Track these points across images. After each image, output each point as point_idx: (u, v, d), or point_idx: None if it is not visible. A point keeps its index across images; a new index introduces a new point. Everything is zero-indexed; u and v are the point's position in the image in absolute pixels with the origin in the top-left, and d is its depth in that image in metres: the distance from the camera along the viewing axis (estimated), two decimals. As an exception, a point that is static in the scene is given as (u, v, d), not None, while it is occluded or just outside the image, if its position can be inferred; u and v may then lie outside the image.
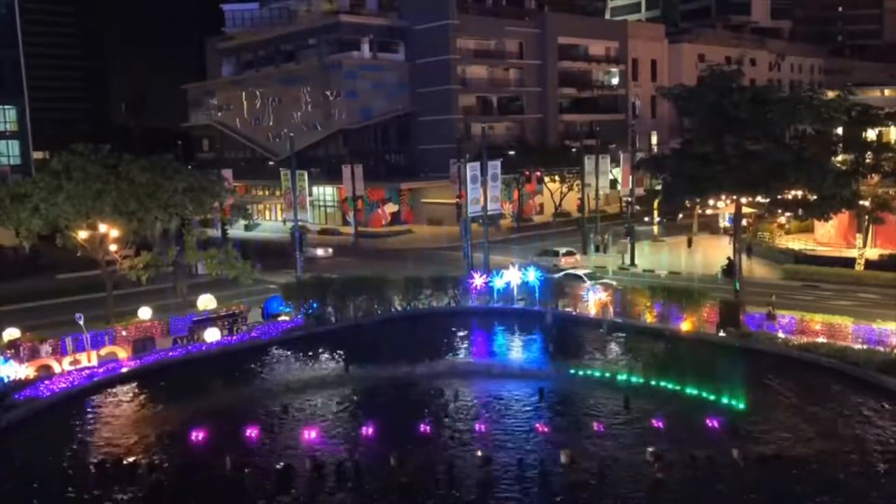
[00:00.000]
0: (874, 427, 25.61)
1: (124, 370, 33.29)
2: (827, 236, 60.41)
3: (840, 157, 47.28)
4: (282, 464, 23.06)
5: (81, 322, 34.92)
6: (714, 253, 58.82)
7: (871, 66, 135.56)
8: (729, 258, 54.98)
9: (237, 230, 67.84)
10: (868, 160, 50.25)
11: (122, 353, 35.09)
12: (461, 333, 39.21)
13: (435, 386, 30.15)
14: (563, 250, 58.99)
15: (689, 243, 64.44)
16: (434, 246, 73.00)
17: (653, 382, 29.90)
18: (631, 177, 68.67)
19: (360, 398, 29.87)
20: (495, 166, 54.75)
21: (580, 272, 48.90)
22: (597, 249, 65.47)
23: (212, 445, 24.42)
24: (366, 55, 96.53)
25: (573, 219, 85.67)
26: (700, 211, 67.35)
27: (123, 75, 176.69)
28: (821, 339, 33.78)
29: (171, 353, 35.44)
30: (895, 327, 33.05)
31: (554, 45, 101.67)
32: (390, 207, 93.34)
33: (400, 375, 31.43)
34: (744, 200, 41.44)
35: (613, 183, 78.50)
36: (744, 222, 49.06)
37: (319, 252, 68.57)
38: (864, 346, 32.32)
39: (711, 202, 59.83)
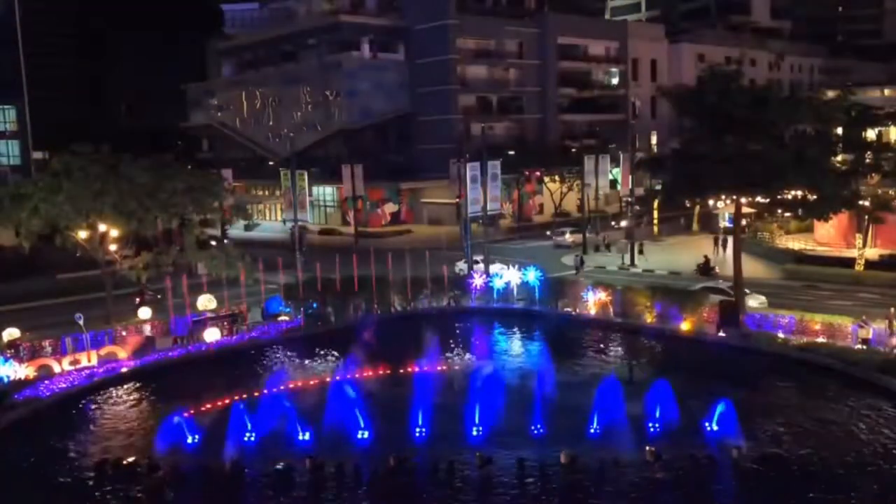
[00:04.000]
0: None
1: (124, 370, 33.32)
2: (827, 236, 60.41)
3: (840, 157, 47.29)
4: (281, 464, 23.06)
5: (81, 322, 34.87)
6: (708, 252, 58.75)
7: (871, 66, 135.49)
8: (706, 256, 55.32)
9: (237, 230, 67.54)
10: (868, 160, 50.31)
11: (122, 353, 35.11)
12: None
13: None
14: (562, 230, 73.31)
15: (641, 249, 61.24)
16: (434, 246, 72.80)
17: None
18: (631, 177, 68.71)
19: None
20: (495, 166, 54.78)
21: (723, 285, 43.31)
22: (597, 249, 65.54)
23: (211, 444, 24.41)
24: (366, 55, 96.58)
25: (573, 219, 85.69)
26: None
27: (123, 75, 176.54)
28: (821, 339, 33.81)
29: (170, 353, 35.45)
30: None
31: (554, 44, 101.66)
32: (390, 207, 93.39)
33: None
34: (744, 200, 41.44)
35: (613, 183, 78.52)
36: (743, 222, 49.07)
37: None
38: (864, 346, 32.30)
39: (711, 202, 59.91)
